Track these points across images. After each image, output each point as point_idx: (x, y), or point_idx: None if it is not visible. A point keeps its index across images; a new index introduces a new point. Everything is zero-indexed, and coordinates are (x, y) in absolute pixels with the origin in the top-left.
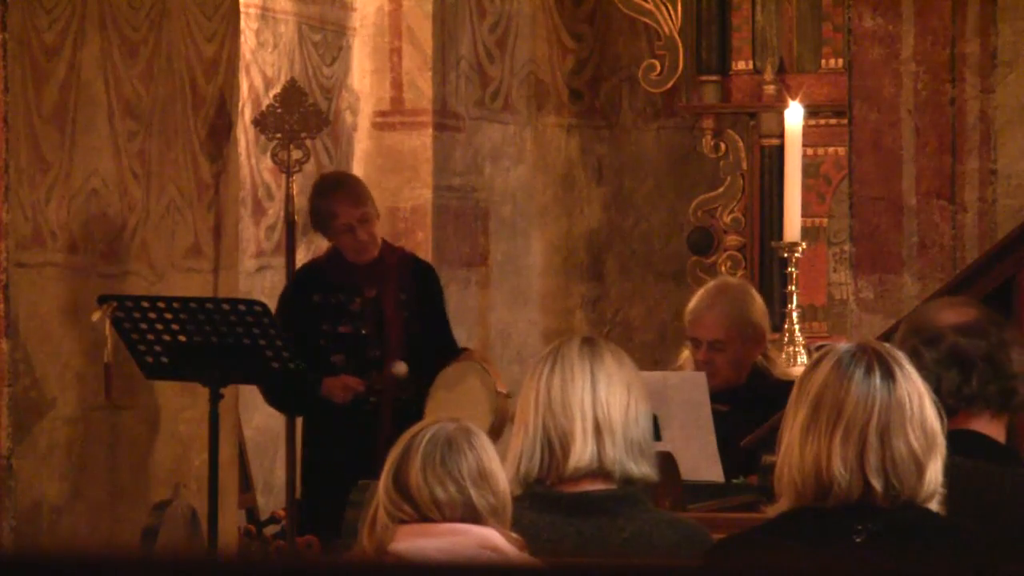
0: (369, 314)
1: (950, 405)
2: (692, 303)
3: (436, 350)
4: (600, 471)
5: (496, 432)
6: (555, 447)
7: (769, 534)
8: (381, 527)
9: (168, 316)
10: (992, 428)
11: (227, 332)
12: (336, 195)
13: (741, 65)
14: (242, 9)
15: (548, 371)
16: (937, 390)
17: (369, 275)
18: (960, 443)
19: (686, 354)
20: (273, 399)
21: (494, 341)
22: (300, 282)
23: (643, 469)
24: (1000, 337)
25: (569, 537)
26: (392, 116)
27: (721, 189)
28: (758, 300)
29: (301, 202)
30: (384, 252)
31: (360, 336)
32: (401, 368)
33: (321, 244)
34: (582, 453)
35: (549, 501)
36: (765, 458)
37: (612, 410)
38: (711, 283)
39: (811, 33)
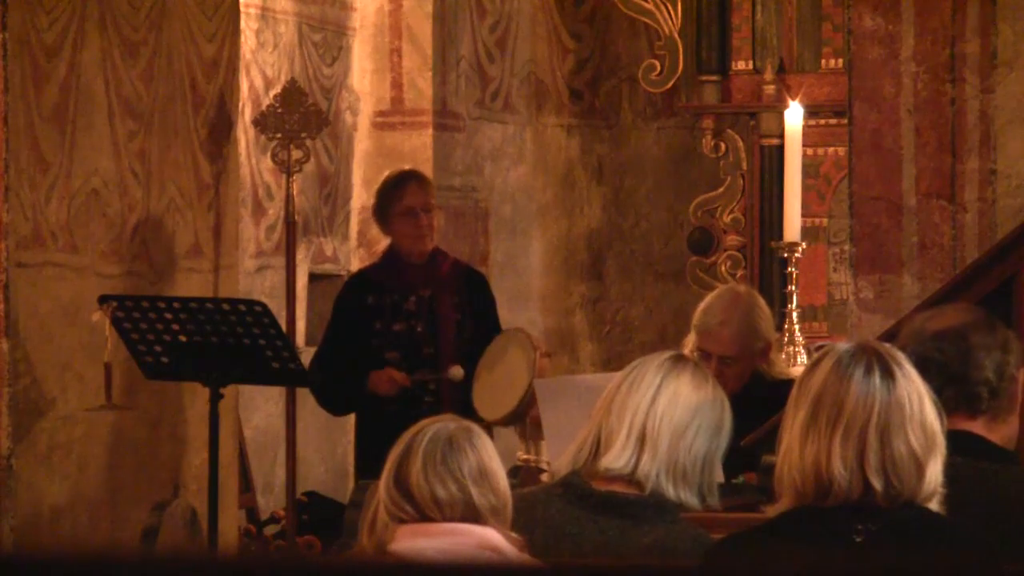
0: (424, 312)
1: None
2: (703, 315)
3: None
4: (632, 479)
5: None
6: (600, 444)
7: (769, 534)
8: (381, 526)
9: (168, 316)
10: (980, 429)
11: (227, 332)
12: (405, 182)
13: (741, 65)
14: (242, 9)
15: (626, 374)
16: None
17: (423, 276)
18: (951, 442)
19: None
20: (322, 398)
21: None
22: (352, 286)
23: (681, 494)
24: (965, 344)
25: (591, 535)
26: (392, 116)
27: (721, 189)
28: (766, 311)
29: (301, 202)
30: (437, 255)
31: (414, 333)
32: (458, 372)
33: (324, 245)
34: (618, 456)
35: (579, 495)
36: (765, 458)
37: (663, 425)
38: (721, 293)
39: (811, 33)
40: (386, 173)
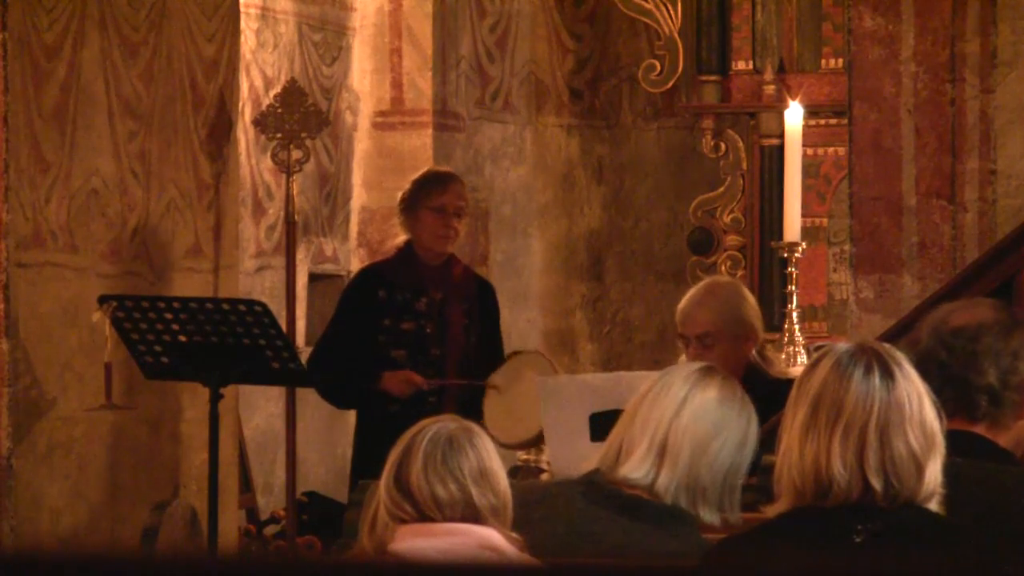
0: (434, 314)
1: None
2: (682, 303)
3: (489, 366)
4: (650, 492)
5: None
6: (621, 453)
7: (769, 534)
8: (381, 526)
9: (168, 316)
10: (981, 432)
11: (227, 332)
12: (449, 179)
13: (741, 65)
14: (242, 9)
15: (653, 383)
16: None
17: (435, 278)
18: (951, 443)
19: (683, 358)
20: (326, 392)
21: None
22: (364, 279)
23: (700, 511)
24: (973, 347)
25: (614, 535)
26: (392, 116)
27: (721, 189)
28: (749, 298)
29: (301, 202)
30: (451, 260)
31: (423, 333)
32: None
33: (324, 245)
34: (637, 467)
35: (605, 494)
36: (765, 458)
37: (686, 440)
38: (704, 282)
39: (811, 33)
40: (428, 167)
